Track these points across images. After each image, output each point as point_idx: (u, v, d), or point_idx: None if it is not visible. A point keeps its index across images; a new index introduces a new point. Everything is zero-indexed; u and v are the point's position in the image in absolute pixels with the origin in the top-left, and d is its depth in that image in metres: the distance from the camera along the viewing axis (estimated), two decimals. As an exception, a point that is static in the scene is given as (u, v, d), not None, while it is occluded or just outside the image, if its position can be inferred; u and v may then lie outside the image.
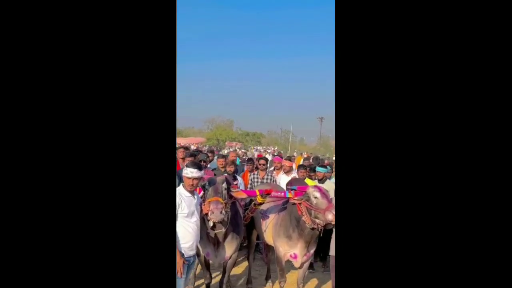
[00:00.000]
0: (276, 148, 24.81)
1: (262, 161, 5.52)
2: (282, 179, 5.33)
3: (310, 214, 3.33)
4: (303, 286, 3.83)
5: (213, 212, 2.90)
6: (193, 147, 14.36)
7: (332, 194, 3.73)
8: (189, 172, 2.82)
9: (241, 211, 3.89)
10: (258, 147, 27.50)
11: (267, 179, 5.26)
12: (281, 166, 5.77)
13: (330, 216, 3.12)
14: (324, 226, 3.30)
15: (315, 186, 3.56)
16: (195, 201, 2.97)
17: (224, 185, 3.18)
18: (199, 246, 3.33)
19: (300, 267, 3.71)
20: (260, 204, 3.74)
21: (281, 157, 7.26)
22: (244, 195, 3.67)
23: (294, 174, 5.53)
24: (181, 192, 2.89)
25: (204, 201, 3.11)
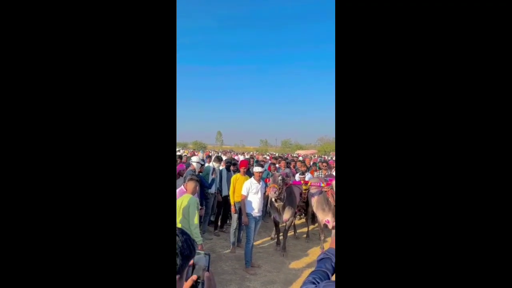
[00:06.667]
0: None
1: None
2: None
3: (334, 197, 5.46)
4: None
5: (270, 193, 5.33)
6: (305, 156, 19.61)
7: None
8: (256, 169, 5.36)
9: (297, 192, 6.42)
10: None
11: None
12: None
13: None
14: None
15: None
16: (260, 186, 5.32)
17: (280, 177, 5.50)
18: (271, 211, 6.07)
19: (333, 228, 5.85)
20: (306, 189, 6.77)
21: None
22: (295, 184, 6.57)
23: None
24: (251, 181, 5.34)
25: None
